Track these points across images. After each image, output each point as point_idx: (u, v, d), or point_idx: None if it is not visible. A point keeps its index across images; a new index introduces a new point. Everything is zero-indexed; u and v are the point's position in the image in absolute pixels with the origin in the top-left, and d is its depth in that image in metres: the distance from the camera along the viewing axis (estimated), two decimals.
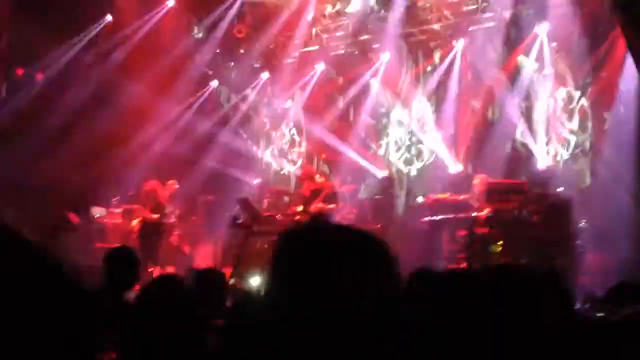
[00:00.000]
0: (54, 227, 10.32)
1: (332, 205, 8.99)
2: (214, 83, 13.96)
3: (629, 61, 8.30)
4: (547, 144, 10.67)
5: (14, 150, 11.59)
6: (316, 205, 8.77)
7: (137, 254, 4.47)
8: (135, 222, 10.46)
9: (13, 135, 11.78)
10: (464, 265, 9.46)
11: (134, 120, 13.30)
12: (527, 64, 11.07)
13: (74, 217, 10.77)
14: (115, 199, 11.90)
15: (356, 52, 12.74)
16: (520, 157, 11.01)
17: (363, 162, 12.18)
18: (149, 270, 9.68)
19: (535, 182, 9.95)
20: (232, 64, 14.37)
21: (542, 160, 10.62)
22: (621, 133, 9.85)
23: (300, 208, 9.02)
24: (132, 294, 4.19)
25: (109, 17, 13.01)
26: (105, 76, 12.91)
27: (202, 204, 12.63)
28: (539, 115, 10.85)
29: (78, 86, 12.46)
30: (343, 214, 10.87)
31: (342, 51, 13.19)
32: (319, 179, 9.45)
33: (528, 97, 11.01)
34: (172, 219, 11.14)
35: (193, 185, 12.74)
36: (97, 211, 11.68)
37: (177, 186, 11.34)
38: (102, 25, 12.92)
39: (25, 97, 11.90)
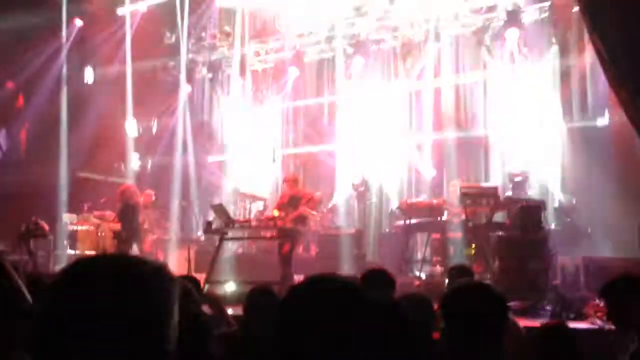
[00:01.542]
0: (24, 233, 10.12)
1: (307, 212, 8.97)
2: (188, 88, 13.88)
3: (598, 69, 8.47)
4: (518, 148, 10.81)
5: None
6: (294, 213, 8.74)
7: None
8: (104, 230, 10.34)
9: None
10: (438, 268, 9.55)
11: (107, 127, 13.20)
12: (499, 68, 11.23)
13: (44, 224, 10.58)
14: (86, 205, 11.73)
15: (330, 58, 12.78)
16: (494, 161, 11.15)
17: (337, 167, 12.21)
18: None
19: (508, 186, 10.09)
20: (206, 69, 14.33)
21: (515, 165, 10.76)
22: (591, 139, 10.05)
23: (276, 212, 8.96)
24: None
25: (78, 22, 12.89)
26: (78, 83, 12.80)
27: (176, 209, 12.53)
28: (512, 120, 10.99)
29: (50, 94, 12.33)
30: (318, 219, 10.89)
31: (317, 56, 13.25)
32: (299, 186, 9.44)
33: (501, 101, 11.15)
34: (146, 225, 11.03)
35: (166, 191, 12.67)
36: (68, 218, 11.50)
37: (154, 198, 11.26)
38: (73, 31, 12.79)
39: None
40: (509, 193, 9.59)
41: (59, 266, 10.60)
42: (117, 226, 9.85)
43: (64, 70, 12.55)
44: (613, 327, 3.53)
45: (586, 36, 8.67)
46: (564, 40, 10.77)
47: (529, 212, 7.90)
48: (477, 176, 10.57)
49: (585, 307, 6.51)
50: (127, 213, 9.89)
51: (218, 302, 4.69)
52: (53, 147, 12.10)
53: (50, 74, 12.39)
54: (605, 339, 4.31)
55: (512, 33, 11.08)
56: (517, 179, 10.49)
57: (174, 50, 13.52)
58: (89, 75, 13.04)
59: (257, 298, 3.84)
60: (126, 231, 9.83)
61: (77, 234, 11.24)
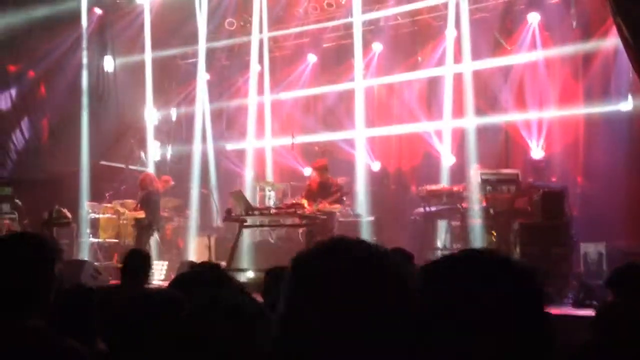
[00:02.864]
0: (47, 221, 10.26)
1: (337, 205, 8.96)
2: (207, 76, 13.89)
3: (622, 54, 8.30)
4: (540, 134, 10.67)
5: (8, 147, 11.57)
6: (323, 204, 8.72)
7: (149, 254, 4.77)
8: (125, 215, 10.43)
9: (6, 130, 11.75)
10: None
11: (128, 115, 13.30)
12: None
13: (67, 212, 10.71)
14: (108, 193, 11.85)
15: (348, 44, 12.69)
16: (515, 147, 11.03)
17: (357, 154, 12.16)
18: None
19: (529, 172, 9.97)
20: (225, 56, 14.34)
21: (536, 151, 10.63)
22: (613, 124, 9.89)
23: (305, 202, 8.91)
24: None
25: (98, 11, 12.94)
26: (98, 72, 12.88)
27: (196, 197, 12.60)
28: (532, 106, 10.84)
29: (71, 83, 12.42)
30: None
31: (335, 43, 13.17)
32: (328, 173, 9.40)
33: (521, 86, 11.00)
34: (166, 213, 11.13)
35: (186, 179, 12.74)
36: (90, 206, 11.63)
37: (172, 183, 11.32)
38: (93, 20, 12.84)
39: (17, 93, 11.83)
40: (530, 179, 9.47)
41: (82, 254, 10.75)
42: (140, 214, 9.92)
43: (84, 59, 12.62)
44: None
45: (609, 19, 8.50)
46: (586, 24, 10.57)
47: (551, 199, 7.81)
48: (498, 162, 10.44)
49: (608, 295, 6.43)
50: (148, 201, 9.98)
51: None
52: (74, 136, 12.20)
53: (71, 62, 12.46)
54: None
55: (534, 17, 10.92)
56: (539, 165, 10.39)
57: (193, 37, 13.52)
58: (108, 63, 13.11)
59: (275, 278, 3.84)
60: (148, 219, 9.92)
61: (98, 222, 11.37)
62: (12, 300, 2.04)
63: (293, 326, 1.06)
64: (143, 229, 9.93)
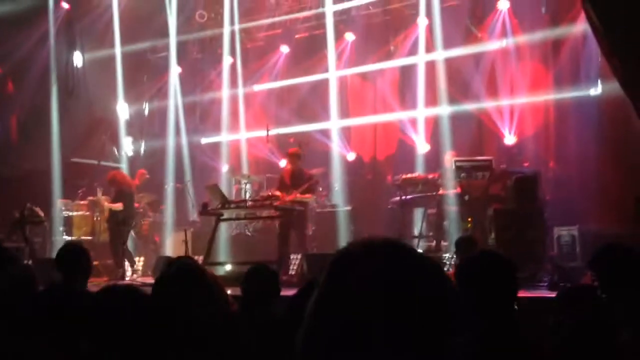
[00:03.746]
0: (19, 220, 10.09)
1: (309, 195, 8.94)
2: (178, 69, 13.76)
3: (590, 39, 8.40)
4: (512, 120, 10.78)
5: None
6: (295, 195, 8.69)
7: (85, 247, 4.39)
8: (105, 210, 10.26)
9: None
10: (434, 243, 9.57)
11: (99, 111, 13.11)
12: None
13: (39, 210, 10.54)
14: (81, 190, 11.69)
15: (321, 34, 12.65)
16: (488, 134, 11.13)
17: (332, 145, 12.17)
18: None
19: (502, 158, 10.08)
20: (196, 49, 14.21)
21: (509, 137, 10.75)
22: (584, 109, 10.02)
23: (278, 193, 8.89)
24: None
25: (65, 5, 12.71)
26: (67, 67, 12.67)
27: (171, 192, 12.50)
28: (504, 92, 10.95)
29: (39, 78, 12.19)
30: (314, 197, 10.88)
31: (307, 33, 13.13)
32: (301, 162, 9.36)
33: (493, 74, 11.09)
34: (141, 208, 11.02)
35: (161, 174, 12.63)
36: (63, 204, 11.47)
37: (147, 176, 11.20)
38: (60, 15, 12.61)
39: None
40: (504, 165, 9.57)
41: (55, 253, 10.59)
42: (117, 206, 9.74)
43: (52, 54, 12.39)
44: (604, 295, 3.54)
45: (578, 5, 8.60)
46: (555, 10, 10.68)
47: (524, 184, 7.90)
48: (472, 149, 10.53)
49: (582, 277, 6.54)
50: (122, 196, 9.85)
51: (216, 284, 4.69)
52: (44, 133, 12.00)
53: (39, 58, 12.23)
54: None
55: (503, 4, 11.02)
56: (511, 150, 10.50)
57: (164, 30, 13.36)
58: (78, 58, 12.89)
59: (255, 276, 3.84)
60: (122, 214, 9.79)
61: (72, 220, 11.21)
62: None
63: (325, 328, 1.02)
64: (118, 224, 9.80)
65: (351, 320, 0.99)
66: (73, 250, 4.27)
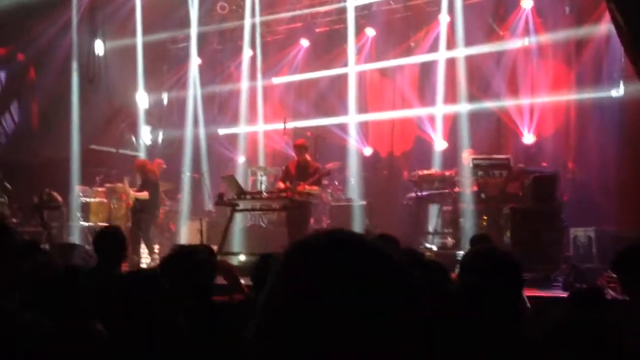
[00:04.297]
0: (37, 205, 10.21)
1: (316, 187, 8.92)
2: (198, 60, 13.81)
3: (614, 39, 8.30)
4: (532, 119, 10.69)
5: None
6: (302, 185, 8.68)
7: (124, 232, 4.56)
8: (130, 195, 10.28)
9: None
10: (449, 240, 9.54)
11: (118, 99, 13.20)
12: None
13: (57, 196, 10.66)
14: (99, 177, 11.79)
15: (341, 29, 12.63)
16: (507, 132, 11.06)
17: (349, 139, 12.16)
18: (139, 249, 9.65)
19: (520, 157, 10.00)
20: (217, 40, 14.25)
21: (528, 136, 10.66)
22: (605, 110, 9.92)
23: (281, 185, 8.93)
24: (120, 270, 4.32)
25: None
26: (89, 55, 12.75)
27: (188, 181, 12.58)
28: (524, 91, 10.86)
29: (61, 66, 12.29)
30: (330, 191, 10.89)
31: (327, 28, 13.12)
32: (307, 153, 9.34)
33: (514, 72, 11.00)
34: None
35: (178, 163, 12.70)
36: (81, 190, 11.58)
37: (164, 165, 11.27)
38: (83, 3, 12.69)
39: (6, 76, 11.68)
40: (522, 165, 9.50)
41: (73, 238, 10.71)
42: (144, 194, 9.77)
43: (75, 42, 12.49)
44: (628, 298, 3.50)
45: (602, 5, 8.50)
46: (579, 10, 10.57)
47: (542, 183, 7.84)
48: (490, 147, 10.46)
49: (597, 278, 6.49)
50: (149, 186, 9.87)
51: (232, 272, 4.71)
52: (65, 120, 12.12)
53: (61, 45, 12.33)
54: (618, 310, 4.29)
55: (527, 3, 10.93)
56: (530, 150, 10.42)
57: (185, 21, 13.42)
58: (99, 47, 12.99)
59: (264, 264, 3.86)
60: (148, 203, 9.80)
61: (89, 206, 11.32)
62: None
63: (273, 319, 1.01)
64: (142, 212, 9.81)
65: (298, 314, 0.96)
66: (112, 235, 4.42)
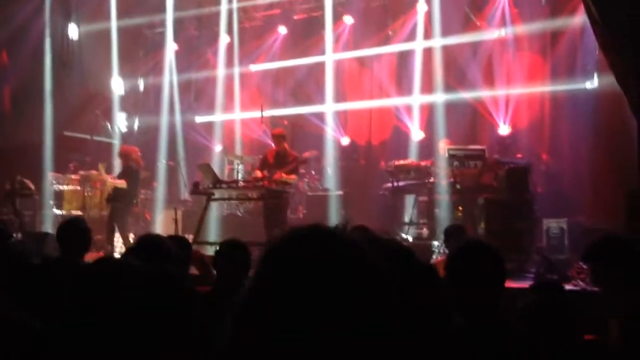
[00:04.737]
0: (9, 192, 10.04)
1: (293, 176, 8.91)
2: (174, 46, 13.64)
3: (589, 32, 8.38)
4: (507, 110, 10.78)
5: None
6: (279, 174, 8.66)
7: (86, 223, 4.48)
8: (107, 185, 10.10)
9: None
10: (425, 231, 9.61)
11: (93, 85, 13.00)
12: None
13: (30, 183, 10.49)
14: (72, 164, 11.62)
15: (319, 16, 12.56)
16: (482, 123, 11.13)
17: (327, 128, 12.15)
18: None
19: (495, 148, 10.09)
20: (193, 26, 14.08)
21: (503, 127, 10.75)
22: (579, 102, 10.04)
23: (258, 174, 8.90)
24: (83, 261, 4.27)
25: None
26: (62, 40, 12.52)
27: (163, 169, 12.46)
28: (500, 82, 10.93)
29: (33, 50, 12.05)
30: (307, 180, 10.89)
31: (305, 15, 13.04)
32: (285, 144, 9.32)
33: (490, 63, 11.06)
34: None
35: (153, 151, 12.58)
36: (54, 177, 11.41)
37: (139, 153, 11.12)
38: None
39: None
40: (497, 155, 9.59)
41: (45, 226, 10.56)
42: (121, 183, 9.57)
43: (47, 25, 12.25)
44: (597, 289, 3.56)
45: None
46: (555, 1, 10.65)
47: (516, 175, 7.92)
48: (465, 138, 10.53)
49: (569, 270, 6.60)
50: (130, 173, 9.71)
51: (204, 262, 4.70)
52: (37, 105, 11.91)
53: (34, 29, 12.09)
54: (589, 301, 4.37)
55: None
56: (505, 141, 10.51)
57: (160, 5, 13.22)
58: (73, 31, 12.74)
59: (226, 251, 3.84)
60: (126, 192, 9.65)
61: (63, 194, 11.16)
62: None
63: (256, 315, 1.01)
64: (118, 201, 9.65)
65: (279, 311, 0.98)
66: (75, 225, 4.40)
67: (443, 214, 8.99)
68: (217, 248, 4.01)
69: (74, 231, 4.32)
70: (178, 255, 3.36)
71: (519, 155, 9.92)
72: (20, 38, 11.83)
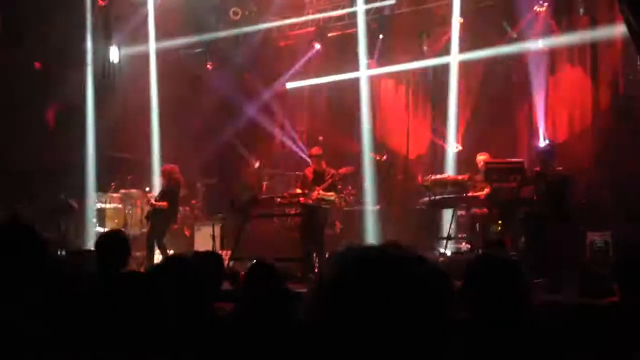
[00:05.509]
0: (53, 211, 10.32)
1: (331, 194, 8.94)
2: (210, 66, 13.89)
3: (629, 40, 8.20)
4: (547, 122, 10.59)
5: (15, 137, 11.60)
6: (318, 192, 8.72)
7: (127, 238, 4.50)
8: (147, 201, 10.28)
9: (13, 122, 11.75)
10: (464, 245, 9.48)
11: (134, 106, 13.28)
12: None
13: (73, 202, 10.77)
14: (114, 183, 11.88)
15: (353, 33, 12.61)
16: (521, 135, 10.97)
17: (363, 144, 12.13)
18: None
19: (535, 160, 9.90)
20: (230, 45, 14.28)
21: (543, 139, 10.56)
22: (621, 111, 9.81)
23: (298, 191, 8.95)
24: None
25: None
26: (104, 62, 12.86)
27: (202, 187, 12.62)
28: (539, 93, 10.75)
29: (76, 72, 12.40)
30: (343, 195, 10.86)
31: (339, 32, 13.11)
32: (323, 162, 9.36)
33: (528, 75, 10.90)
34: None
35: (193, 169, 12.74)
36: (96, 196, 11.68)
37: (178, 171, 11.31)
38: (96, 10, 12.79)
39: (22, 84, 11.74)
40: (537, 168, 9.41)
41: (88, 244, 10.79)
42: (163, 204, 9.72)
43: (89, 48, 12.61)
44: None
45: (617, 5, 8.40)
46: (594, 11, 10.46)
47: (557, 187, 7.77)
48: (504, 151, 10.38)
49: (612, 284, 6.39)
50: (171, 192, 9.88)
51: (238, 278, 4.73)
52: (80, 125, 12.24)
53: (77, 51, 12.44)
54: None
55: (540, 4, 10.83)
56: (546, 153, 10.29)
57: (198, 27, 13.48)
58: (114, 53, 13.08)
59: (255, 272, 3.84)
60: (168, 210, 9.80)
61: (105, 212, 11.41)
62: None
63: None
64: (160, 219, 9.80)
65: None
66: (113, 238, 4.41)
67: (482, 229, 8.85)
68: (248, 269, 4.01)
69: (112, 243, 4.31)
70: (208, 271, 3.38)
71: (560, 168, 9.72)
72: (64, 59, 12.19)
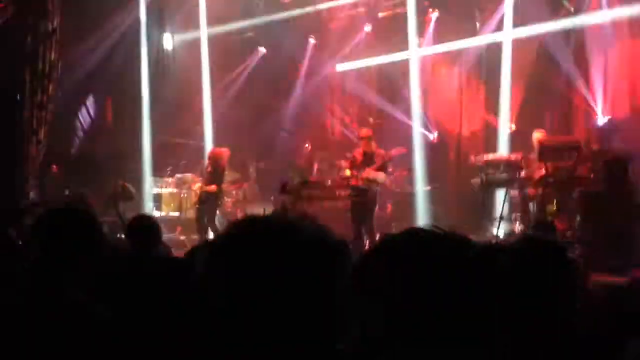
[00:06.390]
0: (112, 197, 10.66)
1: (382, 174, 8.91)
2: (262, 49, 13.96)
3: None
4: (605, 98, 10.20)
5: (74, 124, 12.03)
6: (368, 171, 8.71)
7: (157, 221, 4.56)
8: (195, 187, 10.56)
9: (73, 109, 12.18)
10: (517, 226, 9.29)
11: (187, 91, 13.53)
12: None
13: (131, 187, 11.10)
14: (169, 168, 12.18)
15: (404, 13, 12.43)
16: (578, 113, 10.62)
17: (414, 124, 12.00)
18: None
19: (592, 138, 9.60)
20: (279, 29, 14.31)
21: (601, 116, 10.19)
22: None
23: (348, 172, 8.95)
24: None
25: None
26: (157, 49, 13.12)
27: (254, 170, 12.79)
28: (596, 68, 10.35)
29: (131, 61, 12.69)
30: (395, 176, 10.80)
31: (390, 12, 12.96)
32: (373, 144, 9.33)
33: (584, 50, 10.50)
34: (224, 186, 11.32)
35: (245, 152, 12.92)
36: (153, 181, 12.01)
37: (229, 154, 11.50)
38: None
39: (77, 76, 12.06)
40: (594, 146, 9.11)
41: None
42: (212, 188, 10.00)
43: (143, 36, 12.88)
44: None
45: None
46: None
47: (615, 166, 7.51)
48: (559, 129, 10.08)
49: None
50: (217, 178, 10.12)
51: None
52: (136, 113, 12.57)
53: (130, 40, 12.73)
54: None
55: None
56: (605, 130, 9.95)
57: (249, 11, 13.57)
58: (167, 41, 13.34)
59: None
60: (213, 194, 10.04)
61: (161, 197, 11.72)
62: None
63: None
64: (208, 202, 10.07)
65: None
66: (143, 221, 4.46)
67: (536, 209, 8.65)
68: None
69: (141, 227, 4.35)
70: None
71: (618, 145, 9.38)
72: (119, 49, 12.50)
